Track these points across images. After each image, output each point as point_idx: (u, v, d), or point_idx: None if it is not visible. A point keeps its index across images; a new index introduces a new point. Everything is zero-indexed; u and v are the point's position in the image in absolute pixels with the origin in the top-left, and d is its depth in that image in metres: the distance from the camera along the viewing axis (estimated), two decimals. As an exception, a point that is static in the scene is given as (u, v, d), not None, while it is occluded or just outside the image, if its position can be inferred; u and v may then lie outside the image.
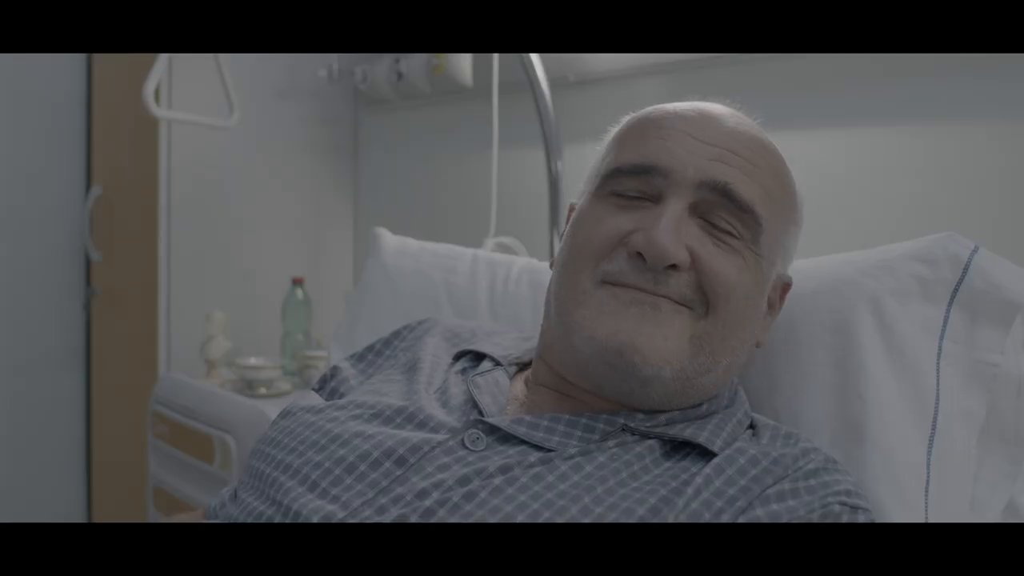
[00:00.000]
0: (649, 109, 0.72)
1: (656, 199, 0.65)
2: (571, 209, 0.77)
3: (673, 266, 0.62)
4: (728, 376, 0.69)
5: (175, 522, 0.79)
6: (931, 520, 0.67)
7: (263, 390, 1.49)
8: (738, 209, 0.64)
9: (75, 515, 2.11)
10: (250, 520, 0.64)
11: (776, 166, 0.69)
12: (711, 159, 0.64)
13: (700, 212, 0.65)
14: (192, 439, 1.46)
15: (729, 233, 0.64)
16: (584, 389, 0.68)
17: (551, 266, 0.75)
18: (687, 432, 0.64)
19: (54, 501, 2.07)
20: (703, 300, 0.63)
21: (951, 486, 0.69)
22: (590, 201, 0.70)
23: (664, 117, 0.68)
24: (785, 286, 0.74)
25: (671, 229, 0.62)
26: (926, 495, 0.67)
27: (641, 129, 0.69)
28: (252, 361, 1.52)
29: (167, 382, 1.61)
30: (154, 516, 1.59)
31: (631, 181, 0.66)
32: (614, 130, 0.74)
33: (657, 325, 0.62)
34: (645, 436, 0.65)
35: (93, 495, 2.10)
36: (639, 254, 0.63)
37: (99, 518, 2.06)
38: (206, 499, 1.41)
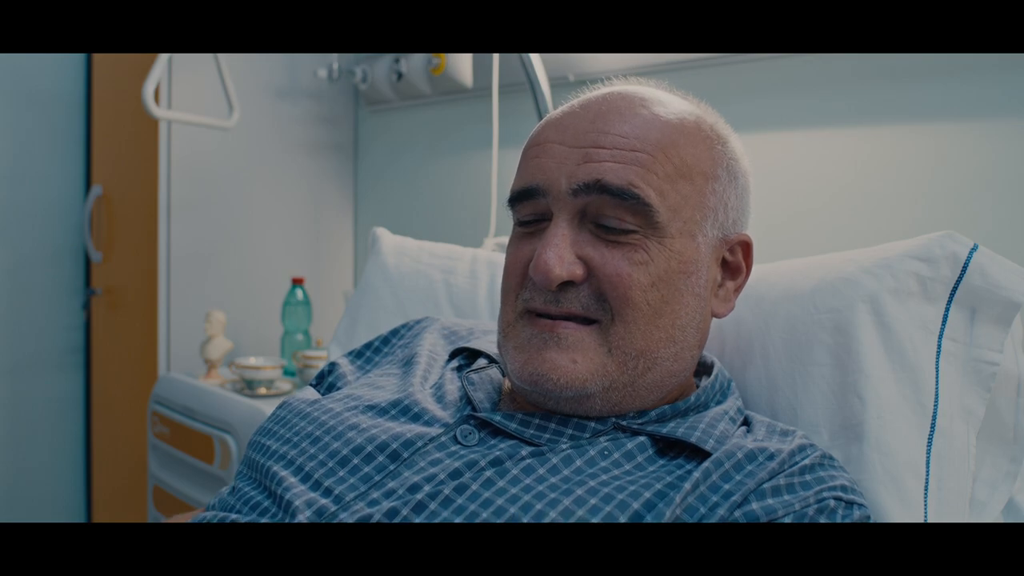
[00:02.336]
0: (542, 120, 0.72)
1: (549, 217, 0.66)
2: None
3: (569, 281, 0.63)
4: (685, 360, 0.67)
5: (175, 522, 0.79)
6: (931, 520, 0.67)
7: (263, 390, 1.49)
8: (618, 199, 0.62)
9: (75, 515, 2.12)
10: (246, 509, 0.64)
11: (665, 132, 0.65)
12: (579, 162, 0.64)
13: (591, 216, 0.64)
14: (192, 439, 1.46)
15: (621, 230, 0.63)
16: None
17: None
18: (679, 431, 0.64)
19: (54, 501, 2.08)
20: (608, 307, 0.63)
21: (951, 485, 0.69)
22: (512, 231, 0.71)
23: (541, 131, 0.69)
24: (744, 245, 0.71)
25: (556, 249, 0.62)
26: (926, 494, 0.68)
27: (525, 149, 0.70)
28: (252, 361, 1.52)
29: (167, 382, 1.61)
30: (154, 516, 1.59)
31: (525, 208, 0.67)
32: None
33: (561, 351, 0.63)
34: (637, 433, 0.65)
35: (93, 495, 2.10)
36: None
37: (99, 518, 2.06)
38: (206, 499, 1.41)
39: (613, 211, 0.63)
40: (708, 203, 0.66)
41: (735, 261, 0.71)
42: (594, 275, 0.63)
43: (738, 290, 0.72)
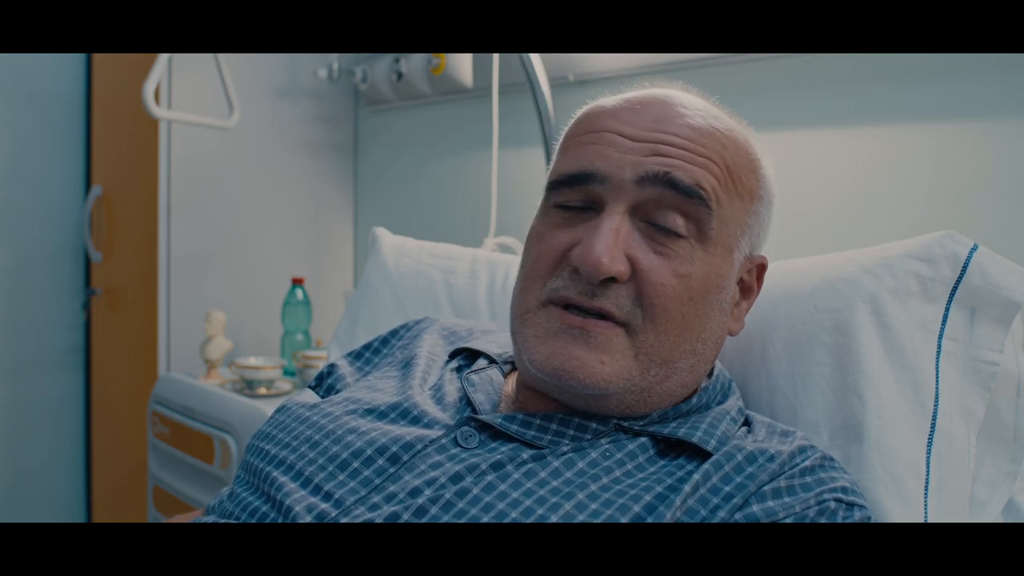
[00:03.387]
0: (587, 107, 0.70)
1: (599, 208, 0.64)
2: None
3: (612, 278, 0.61)
4: (699, 371, 0.68)
5: (175, 522, 0.79)
6: (931, 520, 0.67)
7: (263, 390, 1.49)
8: (683, 196, 0.62)
9: (75, 515, 2.12)
10: (244, 515, 0.64)
11: (725, 145, 0.65)
12: (646, 155, 0.63)
13: (643, 214, 0.63)
14: (192, 439, 1.46)
15: (674, 233, 0.63)
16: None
17: None
18: (681, 431, 0.64)
19: (54, 501, 2.08)
20: (640, 313, 0.62)
21: (951, 485, 0.69)
22: (539, 214, 0.69)
23: (597, 118, 0.67)
24: (760, 267, 0.72)
25: (607, 241, 0.60)
26: (926, 494, 0.68)
27: (577, 134, 0.68)
28: (252, 361, 1.52)
29: (167, 382, 1.61)
30: (154, 516, 1.59)
31: (572, 192, 0.65)
32: (565, 130, 0.73)
33: (589, 350, 0.61)
34: (638, 434, 0.65)
35: (93, 495, 2.10)
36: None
37: (99, 518, 2.06)
38: (206, 499, 1.41)
39: (671, 211, 0.62)
40: (748, 221, 0.67)
41: (749, 281, 0.71)
42: (637, 278, 0.62)
43: (748, 309, 0.72)
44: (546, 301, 0.64)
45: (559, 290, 0.63)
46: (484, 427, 0.64)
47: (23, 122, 1.97)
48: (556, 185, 0.66)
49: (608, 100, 0.69)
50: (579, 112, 0.72)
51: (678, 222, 0.62)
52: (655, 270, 0.62)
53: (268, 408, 1.36)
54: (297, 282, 1.71)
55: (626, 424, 0.65)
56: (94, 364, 2.06)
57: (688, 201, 0.62)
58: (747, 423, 0.70)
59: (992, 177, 1.06)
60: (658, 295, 0.62)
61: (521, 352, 0.66)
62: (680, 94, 0.69)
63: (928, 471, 0.68)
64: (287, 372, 1.63)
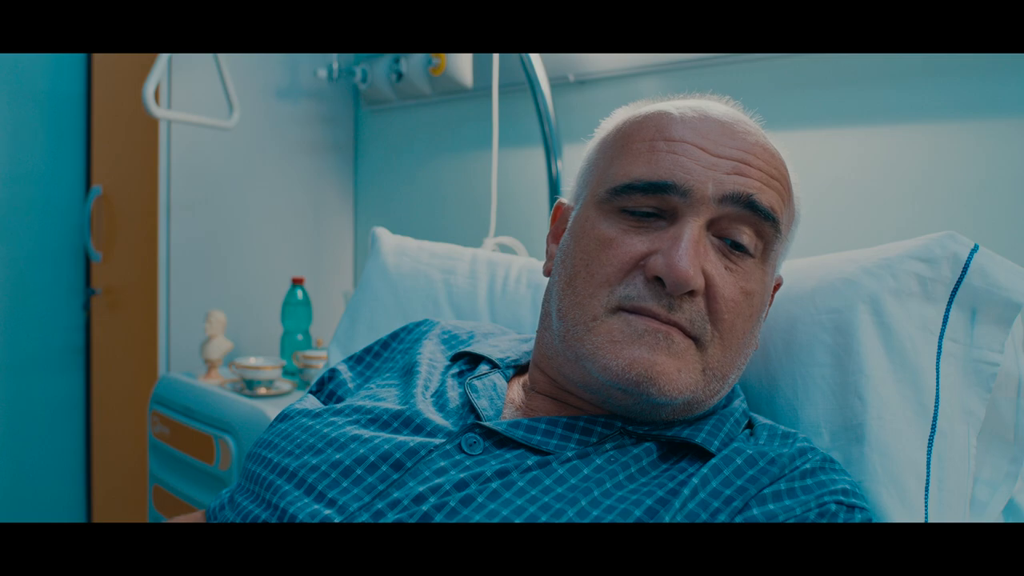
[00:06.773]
0: (647, 111, 0.68)
1: (671, 216, 0.63)
2: (560, 207, 0.76)
3: (690, 292, 0.61)
4: (732, 385, 0.69)
5: (175, 522, 0.79)
6: (931, 520, 0.67)
7: (263, 390, 1.49)
8: (761, 219, 0.63)
9: (75, 515, 2.11)
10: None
11: (784, 171, 0.68)
12: (729, 172, 0.62)
13: (717, 229, 0.63)
14: (192, 439, 1.46)
15: (744, 252, 0.63)
16: (585, 399, 0.68)
17: (545, 272, 0.74)
18: (684, 433, 0.64)
19: (54, 501, 2.07)
20: (710, 328, 0.62)
21: (951, 486, 0.69)
22: (595, 214, 0.66)
23: (669, 125, 0.65)
24: (778, 285, 0.74)
25: (690, 253, 0.60)
26: (926, 495, 0.67)
27: (647, 139, 0.65)
28: (252, 361, 1.52)
29: (167, 382, 1.61)
30: (154, 516, 1.59)
31: (645, 199, 0.63)
32: (608, 126, 0.72)
33: (670, 356, 0.60)
34: (643, 439, 0.65)
35: (93, 495, 2.10)
36: (657, 278, 0.61)
37: (99, 518, 2.06)
38: (206, 499, 1.41)
39: (745, 230, 0.63)
40: (788, 245, 0.70)
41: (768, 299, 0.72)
42: (708, 293, 0.62)
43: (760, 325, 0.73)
44: (616, 308, 0.62)
45: (632, 299, 0.61)
46: (489, 434, 0.64)
47: (23, 122, 1.97)
48: (627, 189, 0.63)
49: (668, 106, 0.67)
50: (637, 113, 0.69)
51: (750, 241, 0.64)
52: (728, 285, 0.62)
53: (268, 408, 1.36)
54: (297, 282, 1.71)
55: (631, 428, 0.65)
56: (94, 364, 2.06)
57: (762, 223, 0.63)
58: (750, 425, 0.70)
59: (992, 177, 1.06)
60: (728, 311, 0.62)
61: (585, 359, 0.62)
62: (732, 109, 0.69)
63: (928, 472, 0.68)
64: (287, 372, 1.63)
